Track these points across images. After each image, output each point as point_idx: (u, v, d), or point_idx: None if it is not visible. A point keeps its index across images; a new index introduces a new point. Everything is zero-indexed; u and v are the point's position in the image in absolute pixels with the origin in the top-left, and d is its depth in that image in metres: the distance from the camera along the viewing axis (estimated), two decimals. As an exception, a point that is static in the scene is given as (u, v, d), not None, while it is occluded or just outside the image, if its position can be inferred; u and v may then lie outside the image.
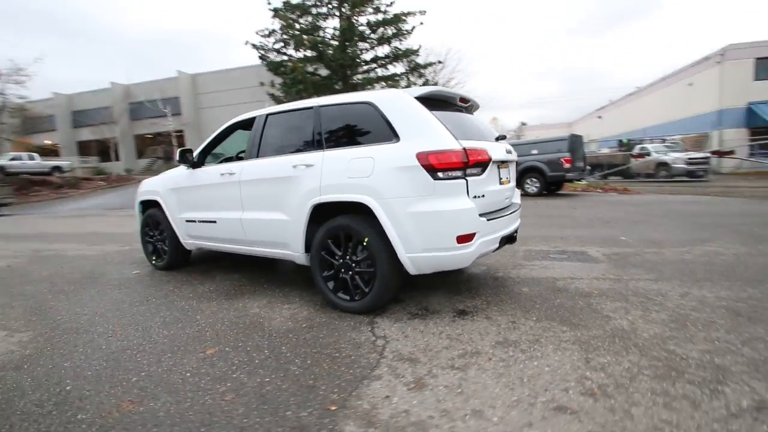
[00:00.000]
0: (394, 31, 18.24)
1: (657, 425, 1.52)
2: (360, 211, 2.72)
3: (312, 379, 1.94)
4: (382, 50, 18.81)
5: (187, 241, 4.01)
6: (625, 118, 31.26)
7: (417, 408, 1.68)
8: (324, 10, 18.30)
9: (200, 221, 3.74)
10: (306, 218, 2.88)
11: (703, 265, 3.68)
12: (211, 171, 3.69)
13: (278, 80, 18.73)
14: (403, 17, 17.79)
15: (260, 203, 3.21)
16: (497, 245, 2.79)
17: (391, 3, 17.79)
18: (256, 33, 18.25)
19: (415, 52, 18.56)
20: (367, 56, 18.79)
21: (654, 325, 2.41)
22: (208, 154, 3.96)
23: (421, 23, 18.47)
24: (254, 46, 18.57)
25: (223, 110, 35.42)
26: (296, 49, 18.71)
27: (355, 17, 17.82)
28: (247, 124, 3.76)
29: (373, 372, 1.99)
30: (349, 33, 17.55)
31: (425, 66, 18.98)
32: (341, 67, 18.06)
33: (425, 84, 19.14)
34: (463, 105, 3.08)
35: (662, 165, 16.26)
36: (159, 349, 2.35)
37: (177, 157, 3.74)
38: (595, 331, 2.35)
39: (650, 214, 7.15)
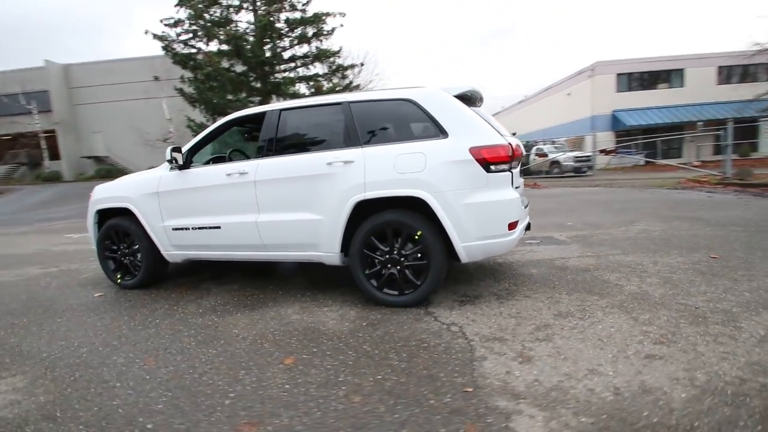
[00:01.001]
0: (315, 30, 17.99)
1: (722, 356, 1.93)
2: (408, 205, 2.77)
3: (424, 369, 1.96)
4: (303, 49, 18.40)
5: (172, 252, 3.53)
6: (516, 122, 35.54)
7: (542, 376, 1.84)
8: (236, 2, 17.21)
9: (195, 228, 3.33)
10: (346, 216, 2.81)
11: (646, 240, 4.52)
12: (210, 171, 3.32)
13: (185, 76, 17.04)
14: (323, 17, 17.64)
15: (283, 204, 3.01)
16: (524, 232, 3.09)
17: (308, 2, 17.54)
18: (161, 22, 16.33)
19: (336, 53, 18.54)
20: (288, 54, 18.16)
21: (655, 287, 2.95)
22: (195, 154, 3.54)
23: (342, 25, 18.50)
24: (156, 36, 16.58)
25: (107, 107, 30.84)
26: (207, 41, 17.27)
27: (273, 13, 17.09)
28: (247, 121, 3.48)
29: (474, 354, 2.09)
30: (267, 29, 16.76)
31: (347, 68, 19.08)
32: (260, 64, 17.18)
33: (348, 86, 19.28)
34: (480, 103, 3.32)
35: (555, 163, 18.98)
36: (224, 368, 2.10)
37: (167, 155, 3.27)
38: (620, 297, 2.79)
39: (570, 203, 8.38)
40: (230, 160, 3.90)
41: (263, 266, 4.25)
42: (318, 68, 19.03)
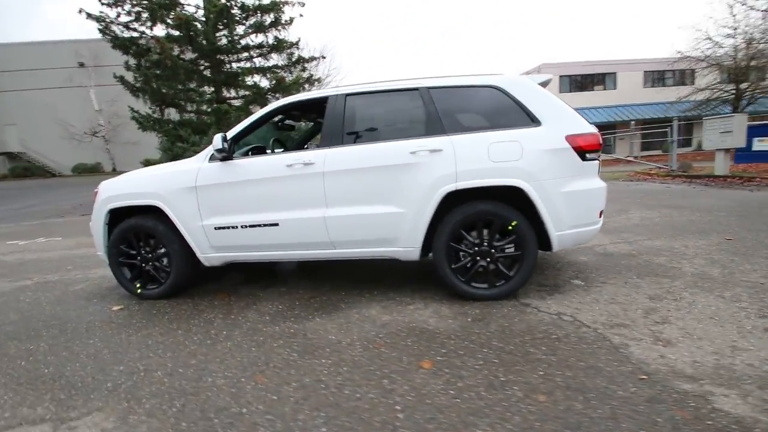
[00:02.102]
0: (272, 19, 17.10)
1: (830, 327, 2.11)
2: (495, 195, 2.69)
3: (579, 361, 1.90)
4: (259, 39, 17.40)
5: (211, 255, 3.10)
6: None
7: (697, 357, 1.87)
8: (183, -17, 15.81)
9: (245, 226, 2.95)
10: (433, 209, 2.66)
11: (655, 226, 4.87)
12: (265, 162, 2.95)
13: (129, 62, 15.37)
14: (281, 5, 16.81)
15: (357, 197, 2.77)
16: None
17: (263, -13, 16.62)
18: (99, 1, 14.49)
19: (295, 44, 17.82)
20: (244, 43, 17.07)
21: (709, 267, 3.16)
22: (237, 143, 3.15)
23: (301, 15, 17.80)
24: (91, 15, 14.73)
25: (21, 96, 26.94)
26: (152, 25, 15.70)
27: (227, -2, 15.95)
28: (301, 107, 3.17)
29: (612, 342, 2.07)
30: (222, 14, 15.60)
31: (308, 60, 18.42)
32: (214, 53, 15.98)
33: (310, 79, 18.63)
34: None
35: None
36: (358, 379, 1.86)
37: (217, 143, 2.84)
38: (688, 278, 2.95)
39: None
40: (272, 150, 3.56)
41: (291, 266, 3.92)
42: (276, 59, 18.22)
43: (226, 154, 2.93)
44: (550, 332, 2.22)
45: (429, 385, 1.78)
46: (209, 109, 15.50)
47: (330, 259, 2.99)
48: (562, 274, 3.23)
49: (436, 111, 2.75)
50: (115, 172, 28.61)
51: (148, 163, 28.30)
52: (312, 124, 4.29)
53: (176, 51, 15.46)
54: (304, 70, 18.62)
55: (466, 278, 2.74)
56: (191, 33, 14.96)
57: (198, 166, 3.05)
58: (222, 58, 16.52)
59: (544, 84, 2.84)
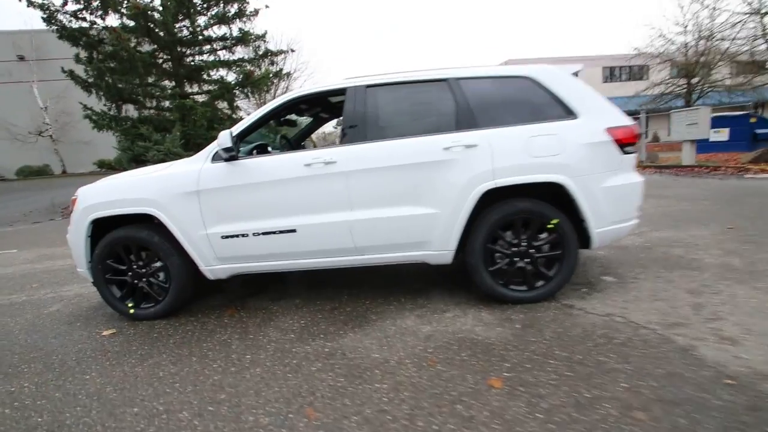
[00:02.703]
0: (236, 10, 16.26)
1: None
2: (536, 192, 2.54)
3: (656, 368, 1.78)
4: (222, 30, 16.49)
5: (216, 267, 2.76)
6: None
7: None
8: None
9: (257, 234, 2.63)
10: (469, 208, 2.47)
11: (652, 216, 4.95)
12: (278, 161, 2.64)
13: (80, 55, 14.09)
14: (245, -6, 15.99)
15: (384, 198, 2.54)
16: None
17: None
18: (42, -14, 13.14)
19: (262, 37, 17.05)
20: (207, 35, 16.11)
21: (728, 258, 3.19)
22: (241, 141, 2.81)
23: (267, 6, 17.01)
24: (33, 3, 13.37)
25: (-52, 92, 24.24)
26: (104, 14, 14.46)
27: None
28: (315, 100, 2.87)
29: (678, 344, 1.98)
30: (181, 4, 14.61)
31: (276, 53, 17.69)
32: (174, 44, 14.98)
33: (279, 73, 17.95)
34: None
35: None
36: (428, 406, 1.65)
37: (224, 141, 2.49)
38: (714, 270, 2.94)
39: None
40: (281, 149, 3.24)
41: (298, 273, 3.63)
42: (242, 52, 17.38)
43: (233, 154, 2.59)
44: (610, 336, 2.10)
45: (510, 408, 1.60)
46: (172, 105, 14.55)
47: (353, 266, 2.74)
48: (588, 270, 3.16)
49: (467, 103, 2.56)
50: (65, 175, 26.42)
51: (102, 164, 26.32)
52: (311, 119, 3.99)
53: (133, 42, 14.38)
54: (272, 63, 17.87)
55: (505, 281, 2.59)
56: (148, 23, 13.94)
57: (199, 167, 2.69)
58: (183, 50, 15.51)
59: (575, 74, 2.72)
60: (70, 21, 14.12)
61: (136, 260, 2.82)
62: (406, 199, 2.54)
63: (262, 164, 2.65)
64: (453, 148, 2.47)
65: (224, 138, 2.52)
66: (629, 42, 27.90)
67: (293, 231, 2.62)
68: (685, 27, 21.13)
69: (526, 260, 2.56)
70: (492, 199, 2.53)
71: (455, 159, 2.47)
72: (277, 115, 2.80)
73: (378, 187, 2.54)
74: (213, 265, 2.76)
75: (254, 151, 3.07)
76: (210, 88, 16.13)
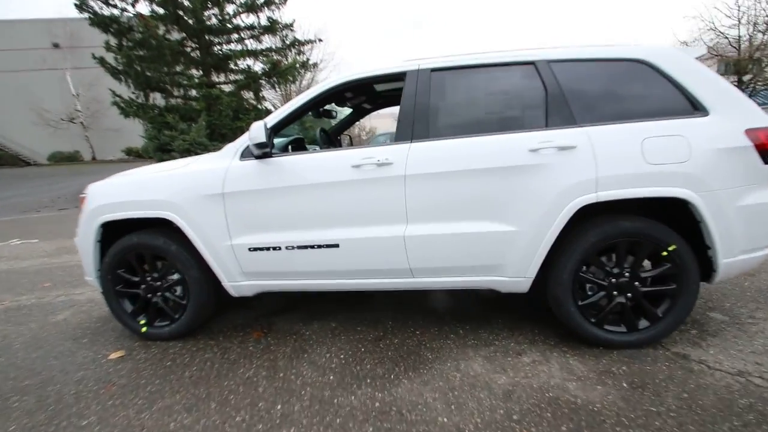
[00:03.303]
0: (265, -2, 15.92)
1: None
2: (642, 209, 1.99)
3: None
4: (250, 19, 16.19)
5: (242, 283, 2.33)
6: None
7: None
8: (171, -44, 14.47)
9: (292, 247, 2.18)
10: (560, 227, 1.94)
11: None
12: (321, 161, 2.17)
13: (110, 42, 14.07)
14: (274, -18, 15.61)
15: (451, 209, 2.04)
16: None
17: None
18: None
19: (290, 26, 16.68)
20: (234, 24, 15.86)
21: None
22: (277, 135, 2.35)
23: (296, -6, 16.59)
24: (66, -12, 13.35)
25: (-12, 79, 25.08)
26: (134, 2, 14.37)
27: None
28: (363, 87, 2.39)
29: None
30: (209, -9, 14.38)
31: (304, 43, 17.30)
32: (202, 32, 14.79)
33: (306, 63, 17.55)
34: None
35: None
36: None
37: (257, 134, 2.04)
38: None
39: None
40: (321, 145, 2.78)
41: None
42: (269, 42, 17.06)
43: (267, 150, 2.14)
44: (760, 410, 1.55)
45: None
46: (198, 94, 14.41)
47: (403, 289, 2.26)
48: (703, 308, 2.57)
49: (562, 93, 2.01)
50: (94, 161, 27.04)
51: (130, 151, 26.77)
52: (351, 111, 3.50)
53: (162, 30, 14.26)
54: (300, 53, 17.52)
55: (598, 318, 2.06)
56: (178, 11, 13.76)
57: (225, 165, 2.25)
58: (211, 39, 15.31)
59: (699, 59, 2.13)
60: (101, 8, 14.09)
61: (150, 271, 2.43)
62: (478, 212, 2.03)
63: (300, 164, 2.19)
64: (542, 151, 1.94)
65: (257, 131, 2.06)
66: (674, 35, 25.79)
67: (335, 246, 2.15)
68: (739, 20, 19.60)
69: (628, 295, 2.02)
70: (588, 215, 1.99)
71: (545, 164, 1.94)
72: (319, 103, 2.33)
73: (443, 197, 2.04)
74: (238, 280, 2.33)
75: (289, 147, 2.62)
76: (237, 77, 15.92)
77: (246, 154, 2.23)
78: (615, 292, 2.02)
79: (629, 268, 2.00)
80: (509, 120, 2.09)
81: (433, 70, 2.14)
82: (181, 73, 14.92)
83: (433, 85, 2.12)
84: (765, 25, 19.04)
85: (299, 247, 2.19)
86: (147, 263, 2.42)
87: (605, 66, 2.04)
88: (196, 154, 10.59)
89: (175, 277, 2.42)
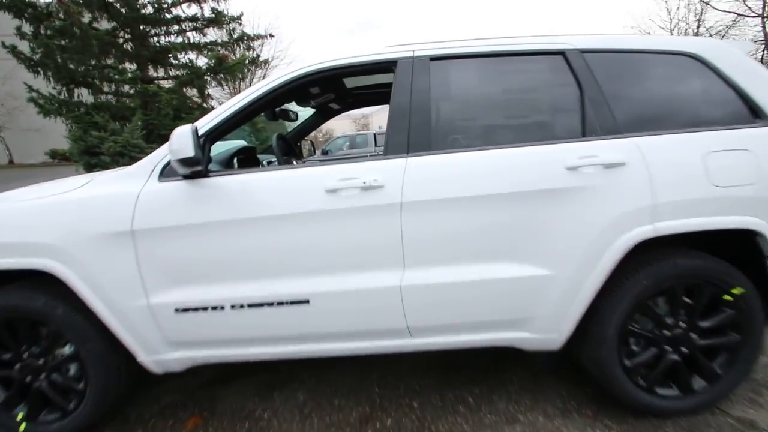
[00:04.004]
0: (208, -13, 14.64)
1: None
2: (698, 241, 1.58)
3: None
4: (194, 10, 14.83)
5: (168, 357, 1.63)
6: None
7: None
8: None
9: (240, 306, 1.53)
10: (608, 268, 1.47)
11: None
12: (281, 183, 1.53)
13: (22, 29, 12.20)
14: (216, -31, 14.39)
15: (462, 248, 1.50)
16: None
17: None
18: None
19: (237, 19, 15.50)
20: (175, 13, 14.44)
21: None
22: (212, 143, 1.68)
23: (243, -16, 15.45)
24: (-36, -36, 11.39)
25: None
26: (51, -17, 12.57)
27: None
28: (333, 79, 1.79)
29: None
30: (143, -24, 12.94)
31: (254, 38, 16.15)
32: (136, 22, 13.28)
33: (256, 60, 16.44)
34: None
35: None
36: None
37: (183, 146, 1.36)
38: None
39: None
40: (279, 157, 2.12)
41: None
42: (214, 35, 15.76)
43: (200, 168, 1.47)
44: None
45: None
46: (132, 91, 12.92)
47: (397, 353, 1.69)
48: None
49: (601, 92, 1.54)
50: (12, 165, 23.84)
51: (55, 154, 23.84)
52: (315, 112, 2.87)
53: (87, 18, 12.59)
54: (249, 48, 16.34)
55: (648, 381, 1.61)
56: (106, -3, 12.22)
57: (136, 189, 1.55)
58: (147, 29, 13.82)
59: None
60: (13, -10, 12.19)
61: (28, 344, 1.66)
62: (498, 251, 1.50)
63: (251, 186, 1.54)
64: (583, 169, 1.46)
65: (182, 139, 1.38)
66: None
67: (304, 302, 1.53)
68: (671, 30, 21.08)
69: (682, 349, 1.59)
70: (635, 251, 1.54)
71: (587, 186, 1.46)
72: (273, 100, 1.69)
73: (452, 232, 1.49)
74: (161, 353, 1.64)
75: (234, 160, 1.95)
76: (178, 73, 14.51)
77: (168, 172, 1.55)
78: (669, 347, 1.59)
79: (686, 316, 1.58)
80: (535, 127, 1.59)
81: (433, 58, 1.59)
82: (111, 66, 13.30)
83: (434, 79, 1.57)
84: (694, 35, 20.65)
85: (252, 306, 1.54)
86: (22, 333, 1.65)
87: (649, 60, 1.60)
88: (130, 157, 9.36)
89: (67, 350, 1.67)
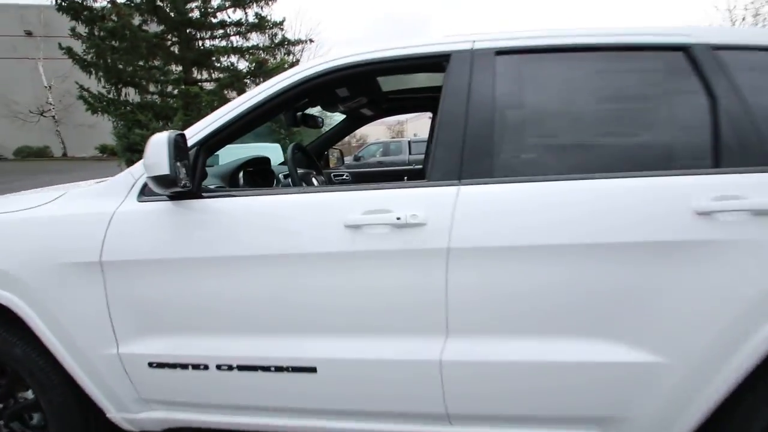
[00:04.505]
0: (254, -8, 14.92)
1: None
2: None
3: None
4: (237, 15, 15.14)
5: (141, 416, 1.30)
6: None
7: None
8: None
9: (230, 368, 1.18)
10: (752, 358, 0.99)
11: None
12: (289, 209, 1.17)
13: (77, 29, 12.83)
14: (263, -24, 14.63)
15: (534, 316, 1.07)
16: None
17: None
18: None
19: (280, 24, 15.70)
20: (220, 18, 14.81)
21: None
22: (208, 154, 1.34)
23: (288, -10, 15.68)
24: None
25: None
26: (110, -12, 13.19)
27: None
28: (364, 78, 1.43)
29: None
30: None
31: (294, 43, 16.30)
32: (183, 25, 13.67)
33: (295, 64, 16.54)
34: None
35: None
36: None
37: (157, 161, 1.04)
38: None
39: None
40: (292, 170, 1.75)
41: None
42: (256, 39, 16.04)
43: (177, 189, 1.12)
44: None
45: None
46: (175, 91, 13.27)
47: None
48: None
49: (743, 104, 1.08)
50: (65, 158, 25.41)
51: (104, 149, 25.19)
52: (344, 118, 2.52)
53: (137, 20, 13.10)
54: (289, 53, 16.52)
55: None
56: (157, 0, 12.66)
57: (109, 208, 1.22)
58: (193, 33, 14.22)
59: None
60: (75, -6, 12.88)
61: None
62: (585, 323, 1.06)
63: (250, 214, 1.18)
64: (721, 215, 0.99)
65: (156, 150, 1.04)
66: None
67: (310, 370, 1.15)
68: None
69: None
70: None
71: (726, 241, 0.99)
72: (290, 102, 1.33)
73: (518, 292, 1.07)
74: (133, 411, 1.31)
75: (240, 175, 1.61)
76: (219, 75, 14.84)
77: (150, 190, 1.22)
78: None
79: None
80: (644, 150, 1.14)
81: (501, 52, 1.17)
82: (157, 67, 13.74)
83: (500, 80, 1.16)
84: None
85: (243, 368, 1.18)
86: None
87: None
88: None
89: (30, 396, 1.38)
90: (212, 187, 1.40)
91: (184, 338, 1.21)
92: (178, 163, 1.07)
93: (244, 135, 1.34)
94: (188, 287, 1.18)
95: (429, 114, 2.67)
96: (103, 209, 1.21)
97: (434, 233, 1.06)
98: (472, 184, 1.09)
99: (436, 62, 1.23)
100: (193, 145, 1.20)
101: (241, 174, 1.68)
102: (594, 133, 1.17)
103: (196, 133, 1.22)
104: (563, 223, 1.04)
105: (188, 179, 1.12)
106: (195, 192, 1.19)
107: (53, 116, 25.77)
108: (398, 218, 1.06)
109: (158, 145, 1.03)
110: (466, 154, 1.11)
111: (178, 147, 1.05)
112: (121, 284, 1.20)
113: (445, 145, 1.15)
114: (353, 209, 1.11)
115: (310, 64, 1.26)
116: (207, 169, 1.44)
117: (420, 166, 2.86)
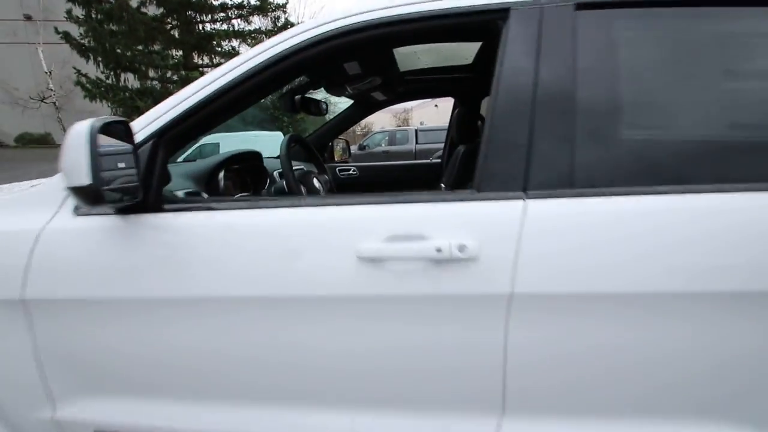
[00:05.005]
0: (255, -26, 14.41)
1: None
2: None
3: None
4: (241, -3, 14.62)
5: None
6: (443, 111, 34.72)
7: None
8: None
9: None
10: None
11: None
12: (268, 228, 0.83)
13: (73, 12, 12.39)
14: (266, -43, 14.12)
15: (629, 388, 0.74)
16: None
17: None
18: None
19: (283, 7, 15.20)
20: (221, 0, 14.34)
21: None
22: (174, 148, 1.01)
23: (290, -28, 15.12)
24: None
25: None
26: (105, -31, 12.70)
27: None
28: (378, 45, 1.07)
29: None
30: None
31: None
32: (183, 8, 13.21)
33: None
34: None
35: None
36: None
37: (76, 160, 0.70)
38: None
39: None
40: (287, 166, 1.38)
41: None
42: (258, 23, 15.54)
43: (134, 200, 0.79)
44: None
45: None
46: (175, 77, 12.89)
47: None
48: None
49: None
50: (67, 146, 25.24)
51: (106, 136, 24.96)
52: (352, 103, 2.16)
53: (135, 2, 12.64)
54: (293, 37, 15.99)
55: None
56: (155, -19, 12.21)
57: (35, 225, 0.88)
58: (193, 15, 13.76)
59: None
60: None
61: None
62: (708, 399, 0.73)
63: (225, 234, 0.85)
64: None
65: (74, 151, 0.70)
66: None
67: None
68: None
69: None
70: None
71: None
72: (283, 76, 0.97)
73: (612, 358, 0.74)
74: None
75: (220, 176, 1.27)
76: (221, 60, 14.41)
77: (79, 208, 0.89)
78: None
79: None
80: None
81: (583, 5, 0.81)
82: (157, 52, 13.34)
83: (583, 46, 0.79)
84: None
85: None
86: None
87: None
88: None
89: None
90: (180, 194, 1.06)
91: (141, 401, 0.89)
92: (120, 166, 0.74)
93: (221, 123, 1.00)
94: (143, 334, 0.86)
95: (435, 102, 2.30)
96: (26, 226, 0.88)
97: (490, 272, 0.72)
98: (544, 198, 0.75)
99: (485, 22, 0.87)
100: (148, 138, 0.86)
101: (222, 174, 1.33)
102: (725, 124, 0.81)
103: (151, 121, 0.87)
104: (693, 258, 0.69)
105: (136, 187, 0.79)
106: (152, 203, 0.86)
107: (54, 102, 25.46)
108: (438, 249, 0.72)
109: (74, 140, 0.69)
110: (533, 154, 0.77)
111: (95, 147, 0.70)
112: (54, 328, 0.88)
113: (499, 141, 0.80)
114: (370, 233, 0.77)
115: (309, 24, 0.91)
116: (180, 167, 1.11)
117: (438, 160, 2.51)
